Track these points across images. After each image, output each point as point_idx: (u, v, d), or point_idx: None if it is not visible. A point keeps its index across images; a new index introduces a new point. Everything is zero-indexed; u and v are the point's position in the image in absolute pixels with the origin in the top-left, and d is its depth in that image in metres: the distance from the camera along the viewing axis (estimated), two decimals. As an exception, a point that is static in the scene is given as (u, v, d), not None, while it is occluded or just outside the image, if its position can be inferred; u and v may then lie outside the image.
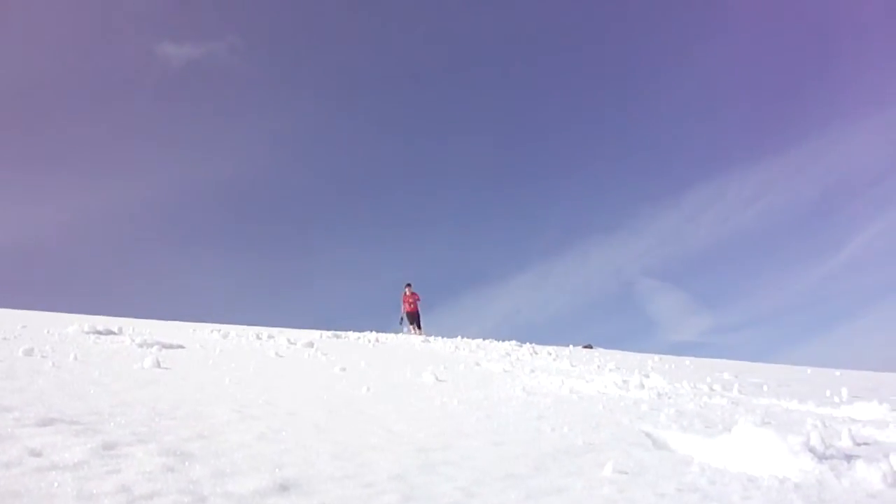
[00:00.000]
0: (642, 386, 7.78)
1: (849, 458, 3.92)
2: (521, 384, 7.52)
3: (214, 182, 46.10)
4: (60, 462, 2.66)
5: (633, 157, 50.18)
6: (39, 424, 3.25)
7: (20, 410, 3.52)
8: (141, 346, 7.94)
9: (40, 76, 41.93)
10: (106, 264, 40.74)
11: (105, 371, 5.49)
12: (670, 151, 49.01)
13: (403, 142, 49.54)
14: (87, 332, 9.19)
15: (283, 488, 2.63)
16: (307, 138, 48.73)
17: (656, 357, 15.64)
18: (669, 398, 7.01)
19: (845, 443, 4.58)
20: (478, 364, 10.19)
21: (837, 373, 14.01)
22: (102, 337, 8.93)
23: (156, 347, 7.84)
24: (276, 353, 8.82)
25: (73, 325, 9.71)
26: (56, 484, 2.40)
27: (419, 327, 20.83)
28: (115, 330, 9.70)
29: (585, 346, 18.94)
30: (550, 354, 13.38)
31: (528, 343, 16.33)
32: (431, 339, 16.92)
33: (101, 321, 11.25)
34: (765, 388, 9.16)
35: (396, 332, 19.72)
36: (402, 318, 20.95)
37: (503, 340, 16.78)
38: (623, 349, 19.10)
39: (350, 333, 15.81)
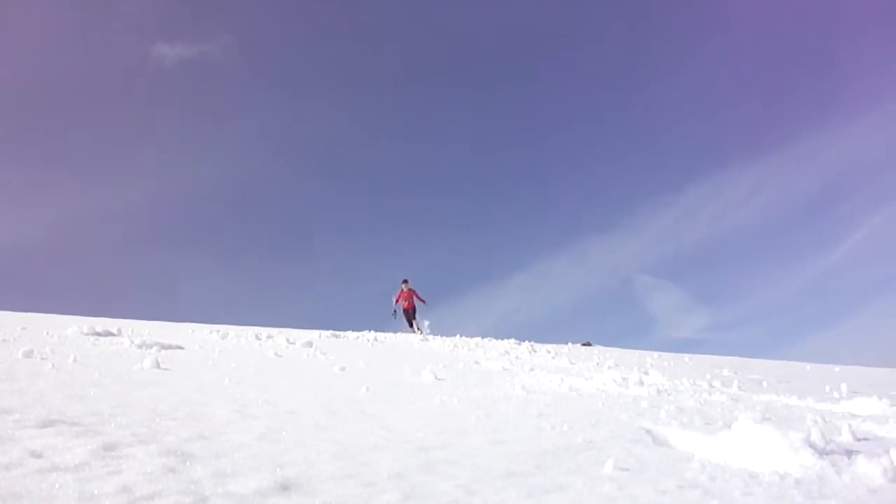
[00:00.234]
0: (642, 383, 7.79)
1: (849, 453, 3.92)
2: (521, 382, 7.52)
3: (212, 183, 46.12)
4: (61, 463, 2.66)
5: (630, 156, 50.27)
6: (40, 426, 3.24)
7: (20, 412, 3.52)
8: (140, 347, 7.93)
9: (34, 77, 41.88)
10: (104, 265, 40.72)
11: (105, 372, 5.48)
12: (668, 149, 49.10)
13: (400, 142, 49.58)
14: (87, 334, 9.18)
15: (284, 488, 2.63)
16: (305, 138, 48.76)
17: (655, 354, 15.66)
18: (669, 395, 7.01)
19: (845, 438, 4.59)
20: (477, 362, 10.19)
21: (837, 368, 14.04)
22: (102, 338, 8.92)
23: (155, 348, 7.84)
24: (276, 353, 8.81)
25: (73, 327, 9.71)
26: (57, 485, 2.40)
27: (413, 324, 20.56)
28: (115, 331, 9.69)
29: (584, 344, 18.95)
30: (549, 352, 13.38)
31: (527, 341, 16.34)
32: (430, 337, 16.93)
33: (100, 323, 11.25)
34: (764, 384, 9.16)
35: (395, 330, 19.63)
36: (394, 311, 20.59)
37: (502, 339, 16.79)
38: (622, 346, 19.13)
39: (349, 333, 15.82)
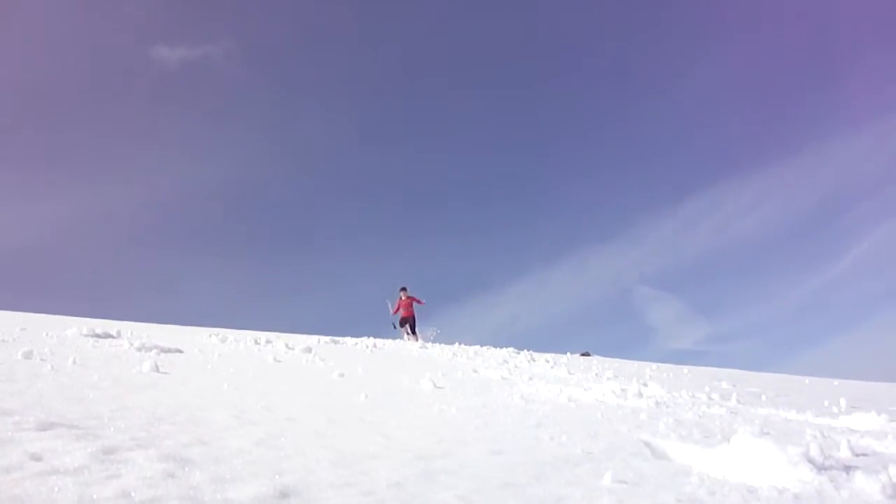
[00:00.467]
0: (640, 394, 7.78)
1: (848, 469, 3.92)
2: (520, 392, 7.52)
3: (212, 185, 46.15)
4: (61, 467, 2.66)
5: (631, 166, 50.30)
6: (39, 429, 3.24)
7: (20, 414, 3.52)
8: (140, 350, 7.93)
9: (35, 77, 41.94)
10: (104, 267, 40.73)
11: (104, 375, 5.48)
12: (669, 160, 49.15)
13: (400, 146, 49.63)
14: (86, 336, 9.18)
15: (283, 495, 2.63)
16: (305, 143, 48.84)
17: (654, 365, 15.64)
18: (668, 407, 7.01)
19: (844, 453, 4.58)
20: (476, 371, 10.19)
21: (836, 382, 14.02)
22: (101, 340, 8.92)
23: (154, 351, 7.84)
24: (275, 359, 8.81)
25: (72, 328, 9.71)
26: (57, 489, 2.40)
27: (414, 333, 20.27)
28: (114, 333, 9.69)
29: (583, 354, 18.94)
30: (548, 362, 13.37)
31: (525, 350, 16.32)
32: (429, 345, 16.92)
33: (100, 324, 11.25)
34: (763, 397, 9.15)
35: (395, 337, 19.53)
36: (394, 325, 20.39)
37: (501, 347, 16.77)
38: (621, 357, 19.10)
39: (348, 339, 15.81)
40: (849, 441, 4.80)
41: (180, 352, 8.43)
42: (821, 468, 3.76)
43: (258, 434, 3.76)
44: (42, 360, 6.01)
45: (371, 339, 16.75)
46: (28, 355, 6.07)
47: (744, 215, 46.26)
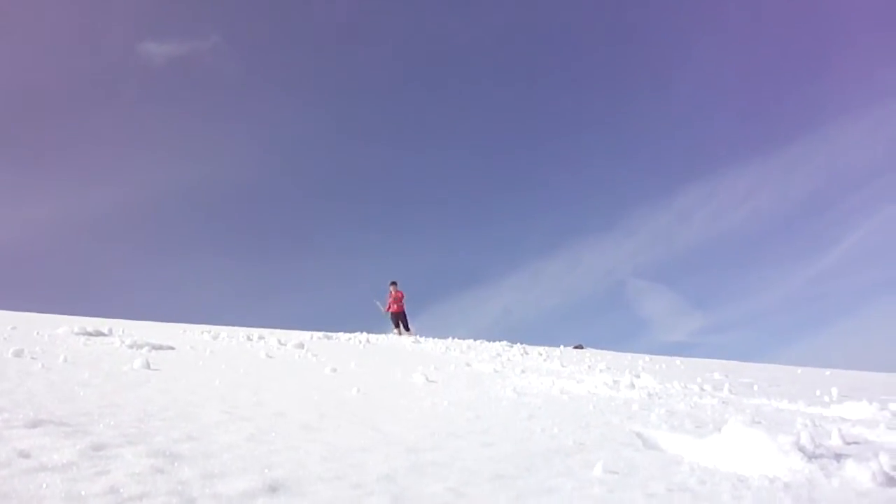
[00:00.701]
0: (633, 386, 7.80)
1: (839, 457, 3.93)
2: (512, 385, 7.53)
3: (202, 183, 46.05)
4: (49, 463, 2.65)
5: (624, 158, 50.36)
6: (28, 426, 3.23)
7: (9, 412, 3.51)
8: (131, 347, 7.90)
9: (22, 76, 41.68)
10: (95, 265, 40.58)
11: (95, 372, 5.46)
12: (662, 152, 49.23)
13: (392, 143, 49.53)
14: (77, 334, 9.15)
15: (273, 489, 2.63)
16: (294, 139, 48.74)
17: (647, 357, 15.69)
18: (660, 398, 7.03)
19: (835, 442, 4.60)
20: (468, 365, 10.19)
21: (827, 372, 14.09)
22: (92, 338, 8.89)
23: (146, 349, 7.81)
24: (267, 354, 8.80)
25: (63, 327, 9.67)
26: (45, 485, 2.38)
27: (406, 328, 20.17)
28: (105, 331, 9.66)
29: (576, 347, 18.99)
30: (541, 355, 13.40)
31: (518, 343, 16.35)
32: (422, 339, 16.92)
33: (91, 322, 11.21)
34: (755, 387, 9.19)
35: (388, 332, 19.49)
36: (386, 318, 20.28)
37: (494, 341, 16.80)
38: (614, 349, 19.15)
39: (341, 334, 15.81)
40: (840, 430, 4.83)
41: (172, 349, 8.41)
42: (811, 457, 3.77)
43: (249, 429, 3.75)
44: (33, 358, 5.98)
45: (364, 334, 16.75)
46: (19, 354, 6.05)
47: (737, 206, 46.42)
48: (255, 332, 13.44)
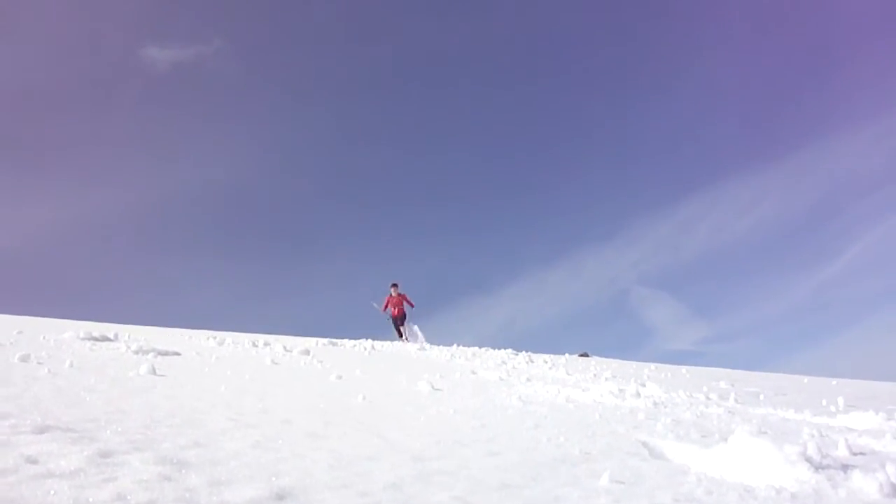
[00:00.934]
0: (638, 395, 7.79)
1: (845, 468, 3.92)
2: (517, 393, 7.51)
3: (207, 187, 46.00)
4: (57, 470, 2.65)
5: (628, 166, 50.25)
6: (36, 432, 3.24)
7: (16, 417, 3.51)
8: (137, 352, 7.92)
9: (26, 80, 41.81)
10: (100, 270, 40.69)
11: (101, 378, 5.48)
12: (665, 160, 49.10)
13: (396, 148, 49.52)
14: (83, 339, 9.17)
15: (280, 497, 2.63)
16: (298, 142, 48.67)
17: (652, 366, 15.66)
18: (666, 407, 7.01)
19: (842, 452, 4.58)
20: (474, 372, 10.19)
21: (833, 382, 14.03)
22: (98, 343, 8.91)
23: (151, 354, 7.83)
24: (272, 361, 8.80)
25: (69, 332, 9.69)
26: (52, 492, 2.39)
27: (400, 333, 19.70)
28: (111, 336, 9.68)
29: (581, 355, 18.94)
30: (546, 363, 13.38)
31: (524, 351, 16.32)
32: (427, 346, 16.91)
33: (97, 327, 11.24)
34: (761, 397, 9.16)
35: (392, 339, 19.36)
36: (388, 319, 19.87)
37: (499, 349, 16.77)
38: (619, 358, 19.11)
39: (346, 341, 15.80)
40: (846, 440, 4.81)
41: (178, 354, 8.42)
42: (818, 467, 3.76)
43: (255, 436, 3.75)
44: (39, 363, 6.00)
45: (369, 340, 16.74)
46: (25, 359, 6.06)
47: (741, 215, 46.28)
48: (261, 338, 13.45)
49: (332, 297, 41.79)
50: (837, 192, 43.81)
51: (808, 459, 3.76)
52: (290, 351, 10.82)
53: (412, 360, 12.33)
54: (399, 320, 20.00)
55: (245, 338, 13.08)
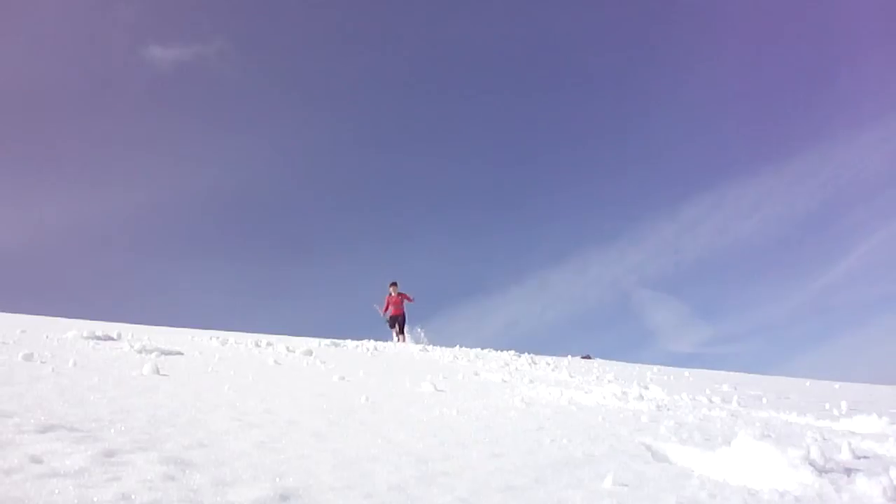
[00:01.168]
0: (641, 397, 7.78)
1: (849, 471, 3.92)
2: (520, 394, 7.51)
3: (211, 188, 46.02)
4: (61, 469, 2.66)
5: (630, 168, 50.26)
6: (40, 431, 3.25)
7: (20, 416, 3.53)
8: (140, 352, 7.93)
9: (29, 81, 41.88)
10: (104, 269, 40.74)
11: (104, 377, 5.49)
12: (668, 162, 49.05)
13: (400, 151, 49.51)
14: (87, 338, 9.18)
15: (284, 498, 2.63)
16: (303, 145, 48.70)
17: (655, 368, 15.64)
18: (669, 410, 7.01)
19: (845, 456, 4.58)
20: (476, 374, 10.18)
21: (836, 385, 14.01)
22: (101, 343, 8.92)
23: (155, 354, 7.84)
24: (275, 361, 8.81)
25: (72, 331, 9.70)
26: (57, 491, 2.40)
27: (402, 332, 19.25)
28: (114, 336, 9.69)
29: (584, 357, 18.94)
30: (549, 365, 13.37)
31: (526, 353, 16.30)
32: (430, 347, 16.90)
33: (100, 327, 11.25)
34: (764, 400, 9.15)
35: (387, 339, 18.99)
36: (388, 322, 19.43)
37: (502, 350, 16.76)
38: (621, 360, 19.09)
39: (348, 342, 15.79)
40: (850, 444, 4.80)
41: (181, 354, 8.43)
42: (822, 471, 3.76)
43: (259, 437, 3.76)
44: (42, 362, 6.01)
45: (372, 341, 16.73)
46: (28, 357, 6.08)
47: (744, 217, 46.19)
48: (264, 338, 13.45)
49: (334, 298, 41.74)
50: (841, 195, 43.71)
51: (812, 463, 3.76)
52: (293, 351, 10.82)
53: (415, 361, 12.33)
54: (399, 320, 19.57)
55: (248, 338, 13.08)
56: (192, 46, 42.68)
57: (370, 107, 49.71)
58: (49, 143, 42.18)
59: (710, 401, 8.32)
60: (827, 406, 8.49)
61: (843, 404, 8.23)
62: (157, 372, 6.10)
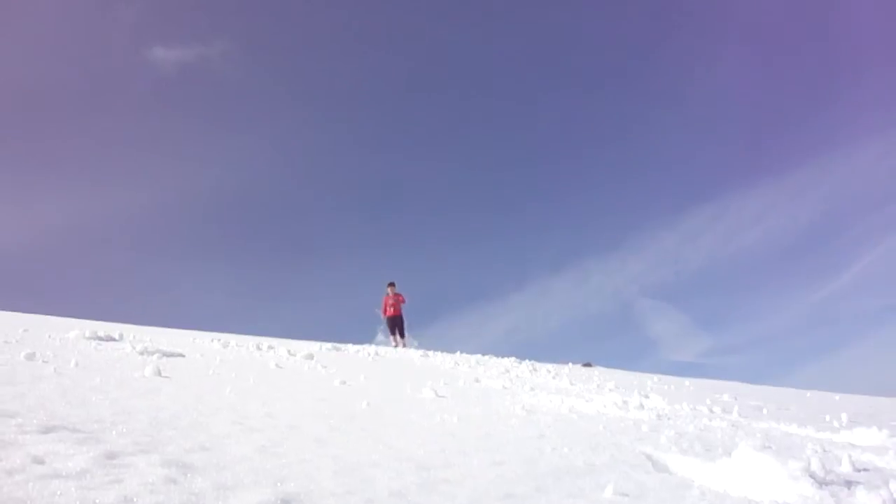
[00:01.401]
0: (642, 406, 7.77)
1: (849, 483, 3.92)
2: (521, 402, 7.51)
3: (214, 189, 46.26)
4: (63, 470, 2.67)
5: (633, 178, 50.32)
6: (42, 431, 3.25)
7: (22, 417, 3.53)
8: (142, 353, 7.93)
9: (33, 81, 41.99)
10: (106, 270, 40.78)
11: (106, 378, 5.49)
12: (670, 172, 49.18)
13: (402, 155, 49.63)
14: (89, 338, 9.18)
15: (285, 503, 2.64)
16: (305, 148, 48.89)
17: (656, 377, 15.61)
18: (669, 419, 7.00)
19: (845, 468, 4.58)
20: (477, 380, 10.18)
21: (837, 397, 13.98)
22: (103, 343, 8.92)
23: (156, 355, 7.84)
24: (276, 365, 8.81)
25: (75, 331, 9.70)
26: (59, 492, 2.40)
27: (402, 335, 18.81)
28: (116, 336, 9.69)
29: (585, 365, 18.91)
30: (550, 372, 13.36)
31: (527, 360, 16.29)
32: (430, 353, 16.88)
33: (102, 327, 11.25)
34: (764, 411, 9.14)
35: (378, 343, 18.56)
36: (383, 327, 18.91)
37: (503, 357, 16.74)
38: (622, 368, 19.07)
39: (350, 346, 15.79)
40: (850, 456, 4.80)
41: (182, 356, 8.43)
42: (822, 483, 3.76)
43: (260, 441, 3.76)
44: (44, 362, 6.01)
45: (373, 346, 16.73)
46: (30, 357, 6.08)
47: (746, 228, 46.26)
48: (265, 341, 13.44)
49: (336, 302, 41.79)
50: (842, 207, 43.79)
51: (812, 475, 3.76)
52: (294, 355, 10.82)
53: (416, 366, 12.33)
54: (397, 321, 19.07)
55: (249, 340, 13.08)
56: (195, 47, 42.84)
57: (372, 109, 49.87)
58: (52, 143, 42.35)
59: (711, 411, 8.31)
60: (827, 418, 8.48)
61: (844, 416, 8.22)
62: (159, 374, 6.11)
